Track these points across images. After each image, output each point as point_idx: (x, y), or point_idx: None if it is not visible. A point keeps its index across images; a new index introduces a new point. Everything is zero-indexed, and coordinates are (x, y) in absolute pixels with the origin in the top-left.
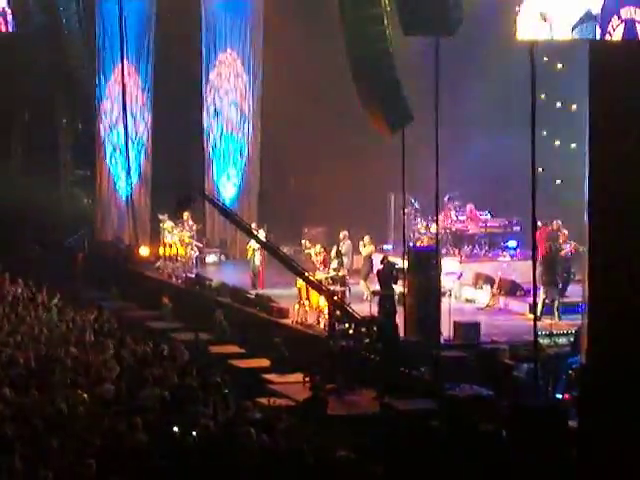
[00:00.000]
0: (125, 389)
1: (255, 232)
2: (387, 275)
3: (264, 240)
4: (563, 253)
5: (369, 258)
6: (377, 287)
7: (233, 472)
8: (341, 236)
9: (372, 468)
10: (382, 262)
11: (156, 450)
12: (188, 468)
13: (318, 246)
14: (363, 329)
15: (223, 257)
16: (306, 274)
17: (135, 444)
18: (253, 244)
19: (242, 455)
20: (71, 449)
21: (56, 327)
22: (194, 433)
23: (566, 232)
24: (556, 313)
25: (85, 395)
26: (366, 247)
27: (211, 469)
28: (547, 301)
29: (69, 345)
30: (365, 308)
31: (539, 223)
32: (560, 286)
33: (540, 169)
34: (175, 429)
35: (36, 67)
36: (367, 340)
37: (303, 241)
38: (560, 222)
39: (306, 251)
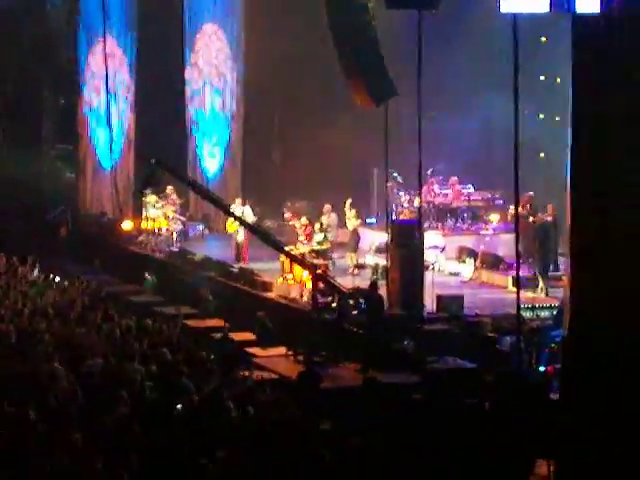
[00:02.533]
0: (109, 363)
1: (233, 208)
2: None
3: (237, 215)
4: (535, 221)
5: (355, 231)
6: (362, 260)
7: (216, 445)
8: (325, 209)
9: (355, 441)
10: None
11: (140, 423)
12: (172, 441)
13: (303, 218)
14: (350, 301)
15: (206, 231)
16: (288, 248)
17: (118, 417)
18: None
19: (225, 428)
20: (52, 422)
21: (39, 301)
22: (179, 406)
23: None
24: (541, 285)
25: (66, 369)
26: (352, 220)
27: (195, 441)
28: (528, 274)
29: (52, 319)
30: (349, 281)
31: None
32: (541, 259)
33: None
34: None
35: (18, 41)
36: (354, 312)
37: (285, 214)
38: (532, 193)
39: (290, 222)
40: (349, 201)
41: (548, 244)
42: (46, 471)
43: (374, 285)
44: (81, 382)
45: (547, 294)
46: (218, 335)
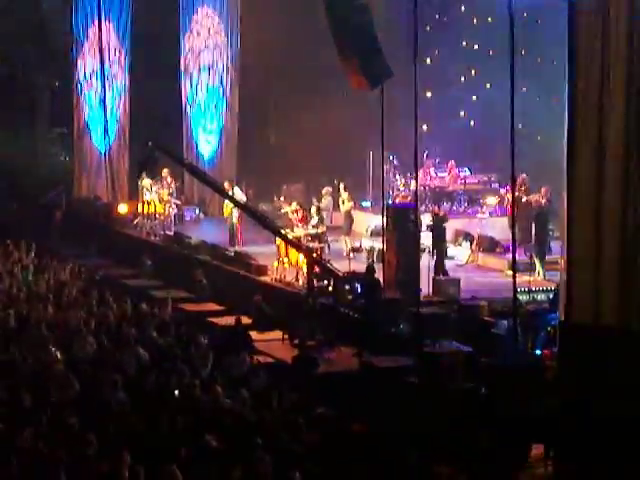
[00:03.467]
0: (104, 347)
1: (228, 190)
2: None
3: (234, 198)
4: (531, 202)
5: (349, 214)
6: (357, 244)
7: (211, 428)
8: (324, 191)
9: (351, 425)
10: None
11: (135, 407)
12: (166, 424)
13: (294, 204)
14: (346, 286)
15: (202, 214)
16: (283, 232)
17: (115, 402)
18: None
19: (219, 412)
20: (47, 407)
21: (34, 284)
22: (176, 392)
23: (545, 188)
24: (540, 270)
25: (61, 353)
26: (345, 204)
27: (190, 425)
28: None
29: (46, 303)
30: (345, 264)
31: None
32: (539, 242)
33: (519, 125)
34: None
35: (12, 24)
36: (350, 297)
37: (278, 199)
38: (525, 175)
39: (282, 210)
40: (342, 184)
41: (547, 228)
42: (42, 455)
43: (370, 269)
44: (75, 366)
45: (544, 277)
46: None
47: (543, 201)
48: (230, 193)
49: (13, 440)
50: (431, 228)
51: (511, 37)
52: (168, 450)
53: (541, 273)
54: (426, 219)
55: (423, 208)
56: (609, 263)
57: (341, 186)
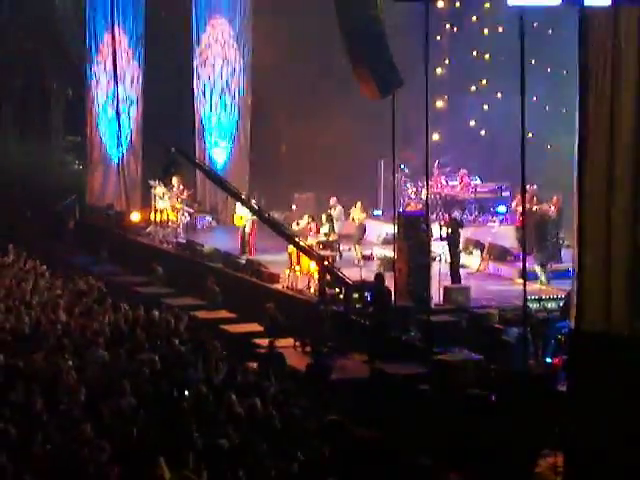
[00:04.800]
0: (119, 354)
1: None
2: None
3: (252, 205)
4: (539, 215)
5: (361, 224)
6: (368, 252)
7: (222, 435)
8: (331, 202)
9: (362, 432)
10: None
11: (146, 414)
12: (178, 431)
13: (305, 217)
14: (355, 294)
15: (214, 222)
16: (296, 239)
17: (125, 407)
18: (242, 211)
19: (231, 419)
20: (61, 412)
21: (47, 293)
22: (186, 393)
23: (556, 198)
24: (542, 277)
25: (74, 360)
26: (357, 212)
27: (201, 432)
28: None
29: (60, 311)
30: (356, 273)
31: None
32: (539, 250)
33: (530, 134)
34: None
35: (26, 33)
36: (359, 305)
37: (290, 208)
38: (535, 187)
39: (295, 227)
40: (359, 203)
41: (545, 235)
42: (55, 460)
43: (380, 277)
44: (87, 374)
45: (547, 284)
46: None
47: (551, 210)
48: None
49: (27, 445)
50: (446, 236)
51: (522, 47)
52: (180, 454)
53: (543, 281)
54: (437, 229)
55: (434, 216)
56: (620, 270)
57: (358, 205)
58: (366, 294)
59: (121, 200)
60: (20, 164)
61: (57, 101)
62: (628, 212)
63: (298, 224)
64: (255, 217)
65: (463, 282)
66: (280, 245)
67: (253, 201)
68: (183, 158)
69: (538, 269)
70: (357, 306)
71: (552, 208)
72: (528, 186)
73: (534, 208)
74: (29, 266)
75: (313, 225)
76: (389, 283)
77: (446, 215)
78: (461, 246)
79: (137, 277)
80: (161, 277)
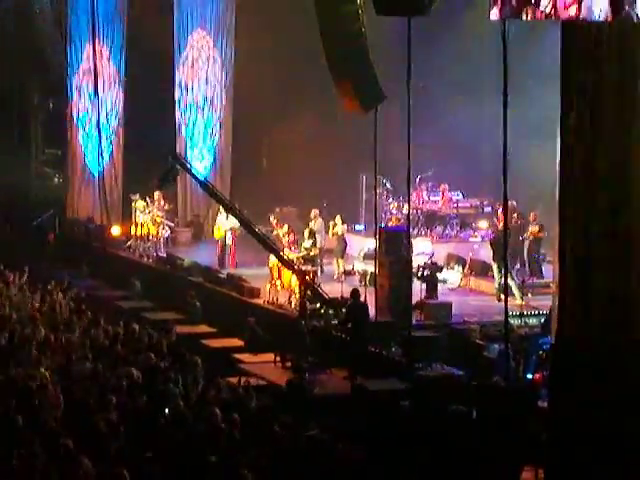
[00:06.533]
0: (97, 368)
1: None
2: None
3: (242, 216)
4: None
5: (342, 237)
6: (349, 267)
7: (202, 451)
8: (312, 215)
9: (341, 448)
10: None
11: (127, 429)
12: (159, 448)
13: (285, 226)
14: (330, 310)
15: (194, 236)
16: (281, 253)
17: (106, 423)
18: (223, 224)
19: (211, 434)
20: (40, 428)
21: (27, 306)
22: (166, 411)
23: (534, 213)
24: (516, 293)
25: (52, 374)
26: (337, 227)
27: (181, 448)
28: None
29: (39, 324)
30: (337, 288)
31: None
32: (517, 266)
33: (510, 148)
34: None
35: (6, 46)
36: (334, 321)
37: (271, 218)
38: (514, 202)
39: (274, 232)
40: (339, 216)
41: (520, 251)
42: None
43: (356, 293)
44: (69, 387)
45: (522, 298)
46: None
47: (517, 224)
48: (225, 216)
49: (7, 461)
50: (424, 277)
51: (504, 61)
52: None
53: (516, 296)
54: (419, 243)
55: (415, 232)
56: (600, 285)
57: (337, 218)
58: (341, 310)
59: (101, 214)
60: None
61: (37, 114)
62: (607, 222)
63: (274, 231)
64: (236, 228)
65: (444, 298)
66: (261, 259)
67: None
68: (180, 166)
69: (513, 284)
70: (332, 322)
71: (517, 223)
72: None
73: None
74: (8, 279)
75: (292, 236)
76: (370, 298)
77: (428, 230)
78: (441, 262)
79: (117, 291)
80: (139, 292)
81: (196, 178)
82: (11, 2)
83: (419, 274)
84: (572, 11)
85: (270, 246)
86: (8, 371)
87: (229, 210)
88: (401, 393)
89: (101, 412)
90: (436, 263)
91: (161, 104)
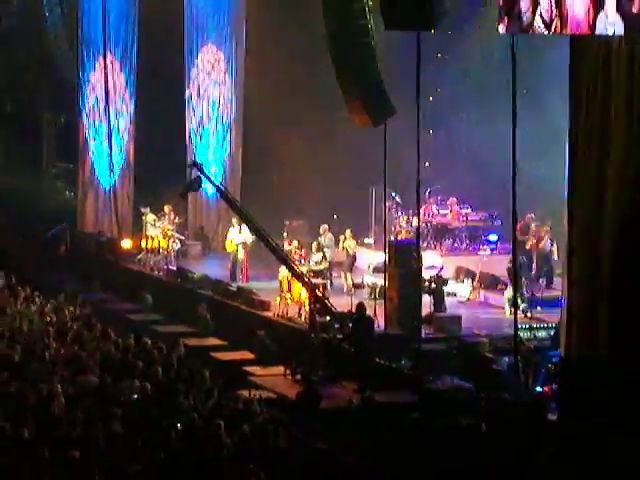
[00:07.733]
0: (107, 381)
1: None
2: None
3: (255, 226)
4: (529, 246)
5: (352, 251)
6: (359, 280)
7: (211, 464)
8: (321, 230)
9: (351, 461)
10: None
11: (137, 441)
12: (168, 460)
13: (295, 242)
14: (337, 324)
15: (205, 250)
16: (292, 265)
17: (113, 435)
18: (235, 237)
19: (218, 447)
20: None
21: (38, 319)
22: (178, 425)
23: (547, 227)
24: (521, 306)
25: (63, 387)
26: (347, 241)
27: (191, 460)
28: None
29: (50, 337)
30: (346, 301)
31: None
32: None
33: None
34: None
35: (18, 59)
36: (340, 335)
37: (281, 236)
38: (532, 215)
39: (286, 248)
40: (348, 231)
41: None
42: None
43: (361, 307)
44: (78, 400)
45: (526, 315)
46: None
47: (543, 240)
48: (238, 229)
49: (15, 473)
50: (431, 291)
51: (513, 75)
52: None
53: (526, 310)
54: (428, 256)
55: (425, 245)
56: (607, 300)
57: (347, 232)
58: (347, 324)
59: (112, 227)
60: (11, 190)
61: (49, 127)
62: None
63: (289, 244)
64: (248, 244)
65: (454, 311)
66: (271, 272)
67: (244, 225)
68: (204, 175)
69: (519, 298)
70: (338, 336)
71: (545, 238)
72: (527, 215)
73: (526, 237)
74: (20, 293)
75: (302, 250)
76: (380, 311)
77: (437, 243)
78: (450, 275)
79: (128, 304)
80: (150, 305)
81: (217, 186)
82: (24, 15)
83: (425, 287)
84: (583, 26)
85: (282, 257)
86: (19, 384)
87: (245, 220)
88: (411, 406)
89: (107, 424)
90: (441, 276)
91: (172, 117)
